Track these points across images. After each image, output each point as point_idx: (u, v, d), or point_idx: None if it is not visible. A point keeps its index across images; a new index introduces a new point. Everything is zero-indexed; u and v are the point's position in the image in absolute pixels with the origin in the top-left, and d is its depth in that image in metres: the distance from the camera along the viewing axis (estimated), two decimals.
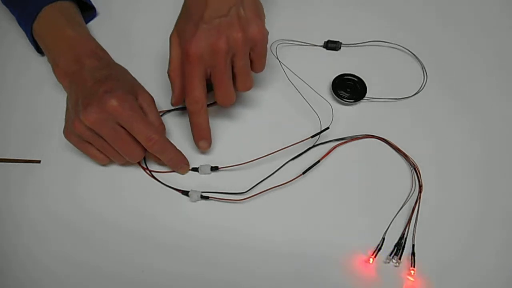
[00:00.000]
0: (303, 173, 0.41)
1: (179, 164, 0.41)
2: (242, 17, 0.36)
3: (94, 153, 0.39)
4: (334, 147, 0.43)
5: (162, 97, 0.44)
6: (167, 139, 0.39)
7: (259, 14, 0.38)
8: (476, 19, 0.52)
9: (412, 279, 0.37)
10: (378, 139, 0.44)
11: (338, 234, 0.39)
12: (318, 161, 0.42)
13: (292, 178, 0.40)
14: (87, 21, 0.50)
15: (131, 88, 0.40)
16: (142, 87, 0.42)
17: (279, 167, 0.41)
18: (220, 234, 0.39)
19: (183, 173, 0.42)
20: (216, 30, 0.36)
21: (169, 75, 0.40)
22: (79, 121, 0.37)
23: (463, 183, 0.41)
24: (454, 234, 0.39)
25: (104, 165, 0.41)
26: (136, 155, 0.39)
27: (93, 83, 0.39)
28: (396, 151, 0.43)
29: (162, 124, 0.41)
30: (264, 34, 0.38)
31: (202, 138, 0.41)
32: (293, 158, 0.42)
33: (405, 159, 0.43)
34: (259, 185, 0.40)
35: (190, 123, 0.40)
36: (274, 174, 0.41)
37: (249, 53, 0.38)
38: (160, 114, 0.43)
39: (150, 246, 0.39)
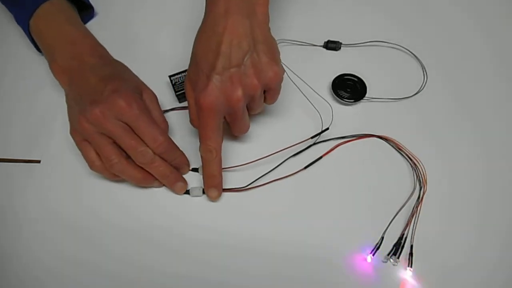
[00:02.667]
0: (305, 167, 0.41)
1: (181, 164, 0.41)
2: (256, 65, 0.35)
3: (91, 155, 0.38)
4: (336, 146, 0.43)
5: (162, 96, 0.44)
6: (172, 140, 0.40)
7: (274, 56, 0.36)
8: (476, 18, 0.52)
9: (408, 279, 0.37)
10: (379, 138, 0.44)
11: (337, 232, 0.39)
12: (321, 157, 0.42)
13: (293, 172, 0.41)
14: (86, 21, 0.50)
15: (136, 87, 0.40)
16: (145, 85, 0.43)
17: (279, 163, 0.41)
18: (220, 232, 0.39)
19: (183, 173, 0.42)
20: (230, 82, 0.34)
21: (192, 124, 0.40)
22: (84, 118, 0.37)
23: (464, 183, 0.41)
24: (454, 234, 0.39)
25: (95, 171, 0.39)
26: (145, 153, 0.37)
27: (98, 81, 0.39)
28: (397, 150, 0.43)
29: (165, 122, 0.42)
30: (280, 78, 0.36)
31: (212, 187, 0.39)
32: (293, 155, 0.42)
33: (406, 159, 0.43)
34: (258, 181, 0.41)
35: (202, 169, 0.39)
36: (275, 172, 0.41)
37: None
38: None
39: (149, 245, 0.39)
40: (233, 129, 0.40)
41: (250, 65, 0.34)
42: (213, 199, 0.40)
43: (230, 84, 0.34)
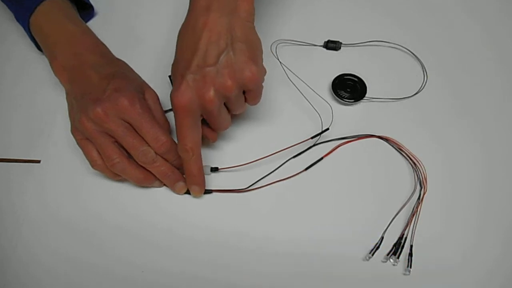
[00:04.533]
0: (306, 169, 0.41)
1: (182, 164, 0.41)
2: (232, 64, 0.34)
3: (93, 154, 0.38)
4: (337, 146, 0.43)
5: (161, 96, 0.44)
6: (173, 140, 0.39)
7: (253, 56, 0.34)
8: (476, 18, 0.52)
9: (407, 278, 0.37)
10: (379, 138, 0.44)
11: (338, 231, 0.39)
12: (321, 158, 0.42)
13: (294, 173, 0.41)
14: (85, 21, 0.49)
15: (138, 86, 0.40)
16: (147, 84, 0.43)
17: (280, 164, 0.41)
18: (220, 233, 0.39)
19: (183, 173, 0.42)
20: (203, 81, 0.33)
21: None
22: (86, 116, 0.37)
23: (465, 183, 0.41)
24: (454, 235, 0.39)
25: (96, 170, 0.39)
26: (146, 152, 0.38)
27: (100, 79, 0.39)
28: (397, 150, 0.43)
29: (167, 122, 0.42)
30: (258, 78, 0.35)
31: (194, 184, 0.39)
32: (294, 156, 0.42)
33: (406, 159, 0.43)
34: (259, 182, 0.41)
35: (184, 167, 0.39)
36: (276, 173, 0.41)
37: (243, 91, 0.36)
38: None
39: (149, 245, 0.39)
40: (212, 126, 0.39)
41: (225, 64, 0.33)
42: (196, 195, 0.40)
43: (203, 84, 0.34)
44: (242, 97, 0.37)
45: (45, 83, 0.46)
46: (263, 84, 0.37)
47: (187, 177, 0.39)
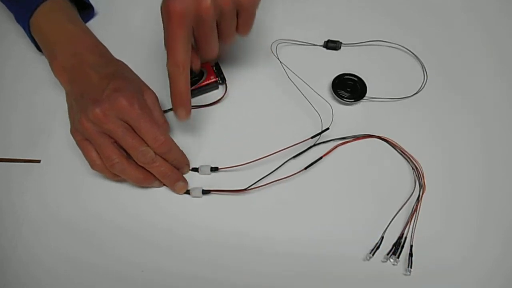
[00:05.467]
0: (305, 168, 0.41)
1: (181, 164, 0.41)
2: None
3: (92, 155, 0.38)
4: (336, 146, 0.43)
5: (161, 96, 0.44)
6: (172, 140, 0.40)
7: None
8: (476, 18, 0.52)
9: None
10: (379, 138, 0.44)
11: (337, 231, 0.39)
12: (321, 157, 0.42)
13: (294, 173, 0.41)
14: (85, 21, 0.49)
15: (138, 86, 0.40)
16: (146, 85, 0.42)
17: (280, 165, 0.41)
18: (220, 233, 0.39)
19: (183, 173, 0.42)
20: None
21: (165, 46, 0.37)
22: (85, 117, 0.37)
23: (464, 183, 0.41)
24: (454, 234, 0.39)
25: (96, 170, 0.39)
26: (146, 153, 0.38)
27: (99, 79, 0.39)
28: (396, 150, 0.43)
29: (166, 122, 0.42)
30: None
31: (181, 105, 0.38)
32: (294, 157, 0.42)
33: (406, 159, 0.43)
34: (259, 182, 0.41)
35: (170, 88, 0.37)
36: (275, 173, 0.41)
37: (236, 15, 0.36)
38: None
39: (149, 245, 0.39)
40: (201, 48, 0.38)
41: None
42: (182, 119, 0.39)
43: None
44: (234, 20, 0.37)
45: (45, 83, 0.46)
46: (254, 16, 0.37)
47: (174, 98, 0.38)
